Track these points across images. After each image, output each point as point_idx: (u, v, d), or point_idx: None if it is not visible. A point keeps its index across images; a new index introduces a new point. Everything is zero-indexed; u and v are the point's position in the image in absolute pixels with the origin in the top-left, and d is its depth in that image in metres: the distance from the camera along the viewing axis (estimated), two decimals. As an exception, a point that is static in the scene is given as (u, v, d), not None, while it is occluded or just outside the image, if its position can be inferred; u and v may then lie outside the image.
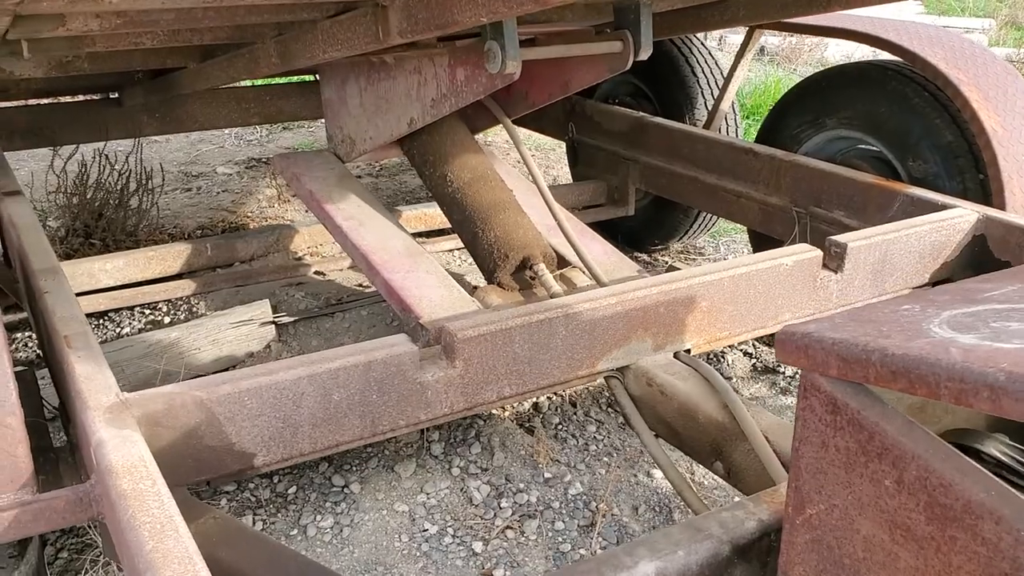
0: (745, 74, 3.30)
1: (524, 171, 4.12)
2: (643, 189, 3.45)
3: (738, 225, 3.73)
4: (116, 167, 3.50)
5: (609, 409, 2.46)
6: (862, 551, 0.94)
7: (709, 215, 3.58)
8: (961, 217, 2.30)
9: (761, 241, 3.14)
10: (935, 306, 1.00)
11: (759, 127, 3.14)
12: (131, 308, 2.90)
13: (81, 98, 3.64)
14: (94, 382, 1.50)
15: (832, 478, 0.95)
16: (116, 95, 3.57)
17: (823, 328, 0.95)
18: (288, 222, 3.77)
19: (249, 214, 3.94)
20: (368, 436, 1.69)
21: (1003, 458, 0.97)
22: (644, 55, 2.19)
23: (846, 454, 0.93)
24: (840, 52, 7.59)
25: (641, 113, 3.41)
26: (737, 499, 1.32)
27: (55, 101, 3.56)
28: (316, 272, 3.07)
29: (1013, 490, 0.79)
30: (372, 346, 1.67)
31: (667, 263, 3.68)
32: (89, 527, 1.92)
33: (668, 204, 3.48)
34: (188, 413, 1.50)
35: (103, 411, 1.42)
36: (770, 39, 7.85)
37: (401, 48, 2.41)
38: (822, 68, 3.23)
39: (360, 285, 3.07)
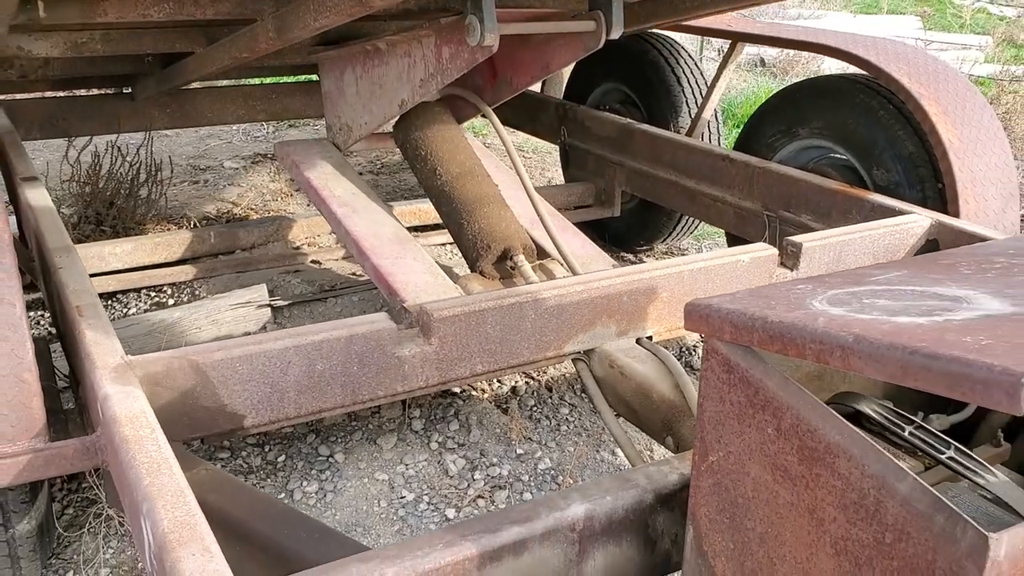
0: (727, 84, 3.46)
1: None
2: (629, 192, 3.61)
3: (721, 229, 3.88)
4: (127, 158, 3.67)
5: (582, 394, 2.62)
6: (751, 491, 1.10)
7: (692, 218, 3.74)
8: (915, 222, 2.45)
9: (738, 243, 3.29)
10: (825, 286, 1.16)
11: (737, 135, 3.30)
12: (137, 290, 3.07)
13: (95, 92, 3.82)
14: (102, 346, 1.67)
15: (728, 428, 1.11)
16: (128, 89, 3.75)
17: (722, 301, 1.11)
18: (288, 214, 3.94)
19: (253, 207, 4.11)
20: (348, 404, 1.86)
21: (873, 415, 1.12)
22: (615, 34, 2.33)
23: (738, 407, 1.09)
24: (837, 65, 7.74)
25: (628, 120, 3.58)
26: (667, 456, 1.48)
27: (71, 94, 3.73)
28: (312, 261, 3.24)
29: (860, 432, 0.95)
30: (354, 321, 1.84)
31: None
32: (93, 484, 2.08)
33: (653, 207, 3.65)
34: (185, 375, 1.67)
35: (109, 370, 1.59)
36: (768, 51, 8.01)
37: (392, 32, 2.58)
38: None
39: (353, 274, 3.24)
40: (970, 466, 1.03)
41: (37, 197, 2.46)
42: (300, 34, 2.30)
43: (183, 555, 1.10)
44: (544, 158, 5.13)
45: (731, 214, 3.10)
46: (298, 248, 3.25)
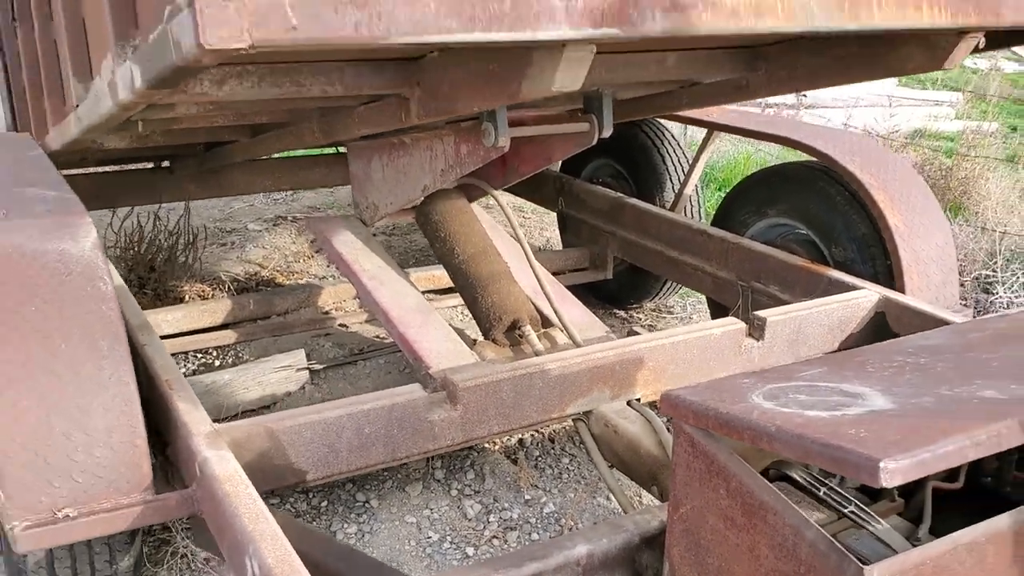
0: (703, 168, 3.89)
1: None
2: (620, 257, 4.03)
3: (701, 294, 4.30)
4: (167, 227, 4.08)
5: (580, 446, 3.01)
6: (710, 535, 1.49)
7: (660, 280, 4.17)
8: (865, 297, 2.86)
9: (717, 307, 3.70)
10: (763, 381, 1.57)
11: (714, 213, 3.72)
12: (186, 352, 3.46)
13: (138, 166, 4.23)
14: (193, 416, 2.06)
15: (692, 488, 1.51)
16: (167, 164, 4.16)
17: (688, 393, 1.52)
18: (316, 279, 4.35)
19: (278, 268, 4.52)
20: (389, 461, 2.25)
21: (798, 479, 1.52)
22: (606, 134, 2.75)
23: (699, 473, 1.48)
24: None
25: (619, 194, 4.00)
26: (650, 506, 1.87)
27: (117, 170, 4.14)
28: (340, 324, 3.64)
29: (781, 494, 1.35)
30: (394, 392, 2.24)
31: (638, 320, 4.24)
32: (174, 529, 2.46)
33: (642, 270, 4.06)
34: (262, 439, 2.07)
35: (203, 437, 1.98)
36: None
37: (417, 130, 3.00)
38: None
39: (377, 337, 3.64)
40: (864, 517, 1.42)
41: (113, 275, 2.85)
42: (342, 137, 2.72)
43: (291, 585, 1.49)
44: (543, 218, 5.56)
45: (709, 282, 3.51)
46: (327, 313, 3.65)
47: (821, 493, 1.49)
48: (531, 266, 3.07)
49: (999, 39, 2.45)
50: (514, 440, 3.01)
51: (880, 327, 2.88)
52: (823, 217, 3.24)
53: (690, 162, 4.01)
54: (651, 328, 4.11)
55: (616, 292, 4.31)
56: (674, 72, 2.62)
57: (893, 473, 1.18)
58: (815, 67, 2.56)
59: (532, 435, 3.05)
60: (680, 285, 4.20)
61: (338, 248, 3.19)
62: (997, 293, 4.04)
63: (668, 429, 2.92)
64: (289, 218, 5.34)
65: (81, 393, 1.91)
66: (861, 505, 1.45)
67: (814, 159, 3.30)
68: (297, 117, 2.83)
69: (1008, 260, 4.23)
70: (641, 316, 4.29)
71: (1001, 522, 1.33)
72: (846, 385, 1.51)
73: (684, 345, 2.59)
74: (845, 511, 1.45)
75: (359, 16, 1.37)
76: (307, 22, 1.33)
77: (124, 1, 1.80)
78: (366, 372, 3.35)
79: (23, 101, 4.00)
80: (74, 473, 1.90)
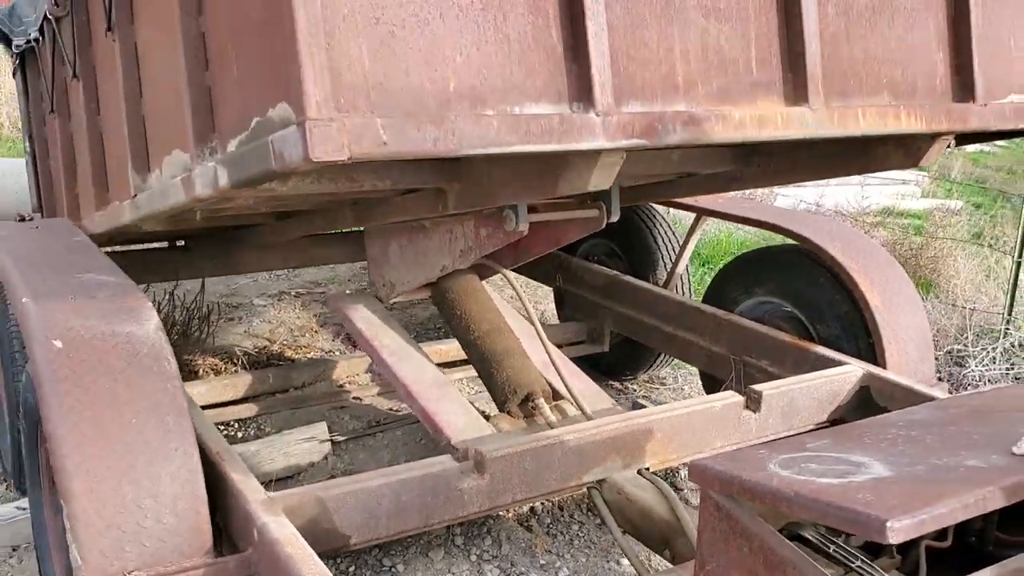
0: (692, 248, 4.15)
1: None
2: (616, 331, 4.26)
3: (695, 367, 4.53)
4: (183, 303, 4.26)
5: (588, 513, 3.20)
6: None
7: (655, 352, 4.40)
8: (850, 372, 3.10)
9: (709, 379, 3.93)
10: (777, 452, 1.78)
11: (705, 291, 3.97)
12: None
13: (156, 245, 4.43)
14: (247, 484, 2.25)
15: (718, 547, 1.71)
16: (184, 243, 4.36)
17: (713, 463, 1.73)
18: (324, 353, 4.53)
19: (285, 342, 4.71)
20: (423, 526, 2.43)
21: (810, 538, 1.73)
22: (614, 219, 2.97)
23: (724, 534, 1.69)
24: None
25: (615, 272, 4.25)
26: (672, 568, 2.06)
27: (137, 248, 4.33)
28: (355, 397, 3.82)
29: (800, 551, 1.56)
30: (427, 463, 2.43)
31: (632, 391, 4.46)
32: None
33: (637, 344, 4.28)
34: (311, 506, 2.25)
35: (260, 503, 2.16)
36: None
37: (439, 216, 3.22)
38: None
39: (391, 409, 3.83)
40: (869, 571, 1.63)
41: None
42: (374, 223, 2.95)
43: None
44: (535, 291, 5.80)
45: (703, 356, 3.74)
46: (342, 386, 3.83)
47: (831, 550, 1.70)
48: (542, 343, 3.29)
49: (967, 138, 2.75)
50: (526, 508, 3.19)
51: (865, 399, 3.11)
52: (808, 296, 3.49)
53: (680, 242, 4.28)
54: (647, 398, 4.32)
55: (612, 364, 4.52)
56: (677, 166, 2.89)
57: (898, 532, 1.40)
58: (804, 163, 2.83)
59: (543, 503, 3.23)
60: (673, 358, 4.43)
61: (358, 324, 3.39)
62: (969, 366, 4.31)
63: (677, 490, 3.12)
64: (292, 293, 5.54)
65: (151, 464, 2.09)
66: (867, 560, 1.66)
67: (798, 242, 3.57)
68: (334, 205, 3.06)
69: (978, 335, 4.51)
70: (636, 387, 4.51)
71: (986, 574, 1.55)
72: (849, 455, 1.73)
73: (688, 417, 2.80)
74: (853, 566, 1.66)
75: (437, 133, 1.61)
76: (395, 139, 1.57)
77: (204, 110, 2.03)
78: (384, 443, 3.53)
79: (50, 186, 4.23)
80: (143, 538, 2.07)
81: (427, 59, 1.62)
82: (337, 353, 4.56)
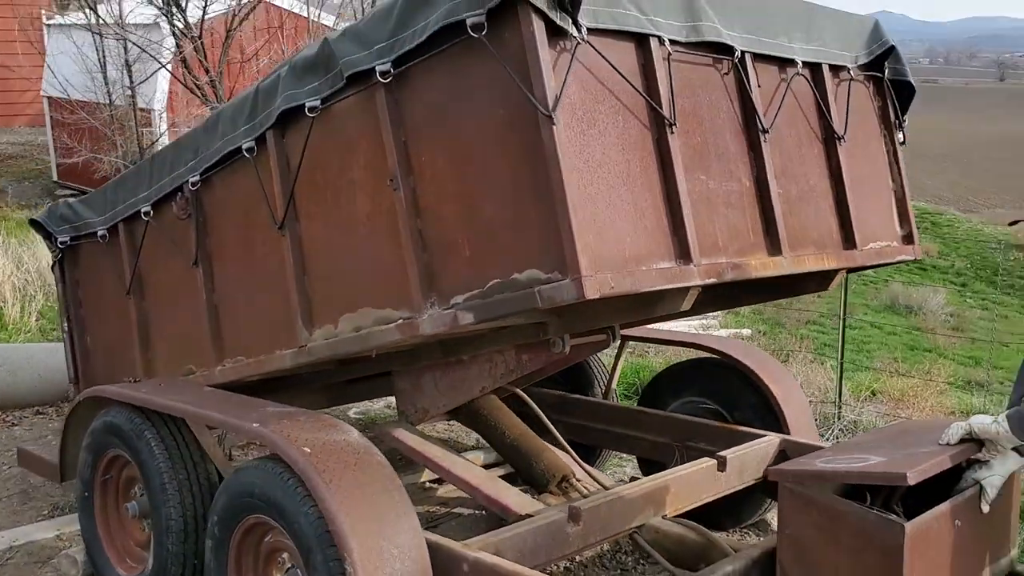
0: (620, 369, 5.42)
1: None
2: (568, 439, 5.37)
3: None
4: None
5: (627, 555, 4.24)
6: (808, 540, 2.86)
7: (602, 451, 5.55)
8: (772, 440, 4.40)
9: (648, 463, 5.10)
10: (816, 457, 3.02)
11: (640, 396, 5.22)
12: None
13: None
14: (442, 537, 3.15)
15: (794, 516, 2.88)
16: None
17: (785, 466, 2.93)
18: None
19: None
20: (545, 563, 3.40)
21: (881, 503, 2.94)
22: (616, 342, 4.14)
23: (798, 507, 2.87)
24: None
25: (562, 392, 5.42)
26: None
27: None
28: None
29: (850, 503, 2.76)
30: (545, 517, 3.43)
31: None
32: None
33: (581, 446, 5.39)
34: (489, 548, 3.18)
35: (461, 546, 3.08)
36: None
37: (476, 348, 4.18)
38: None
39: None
40: (881, 511, 2.86)
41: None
42: (466, 353, 3.92)
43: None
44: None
45: (648, 446, 4.91)
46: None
47: (867, 504, 2.92)
48: (554, 438, 4.36)
49: (852, 270, 4.24)
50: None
51: (784, 456, 4.42)
52: (726, 393, 4.82)
53: (604, 368, 5.54)
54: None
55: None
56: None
57: (912, 476, 2.66)
58: (745, 292, 4.17)
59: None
60: (604, 454, 5.59)
61: (409, 443, 4.30)
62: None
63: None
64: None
65: (392, 524, 2.99)
66: (880, 511, 2.90)
67: (712, 355, 4.93)
68: (427, 345, 4.04)
69: (819, 420, 6.05)
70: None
71: (943, 507, 2.84)
72: (853, 456, 3.00)
73: (685, 478, 3.97)
74: (873, 510, 2.88)
75: (627, 280, 2.77)
76: (616, 284, 2.71)
77: (426, 279, 3.06)
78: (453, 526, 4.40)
79: (87, 358, 4.87)
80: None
81: (617, 240, 2.79)
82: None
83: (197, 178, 3.89)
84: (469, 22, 2.72)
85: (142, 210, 4.21)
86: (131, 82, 12.35)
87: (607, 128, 2.85)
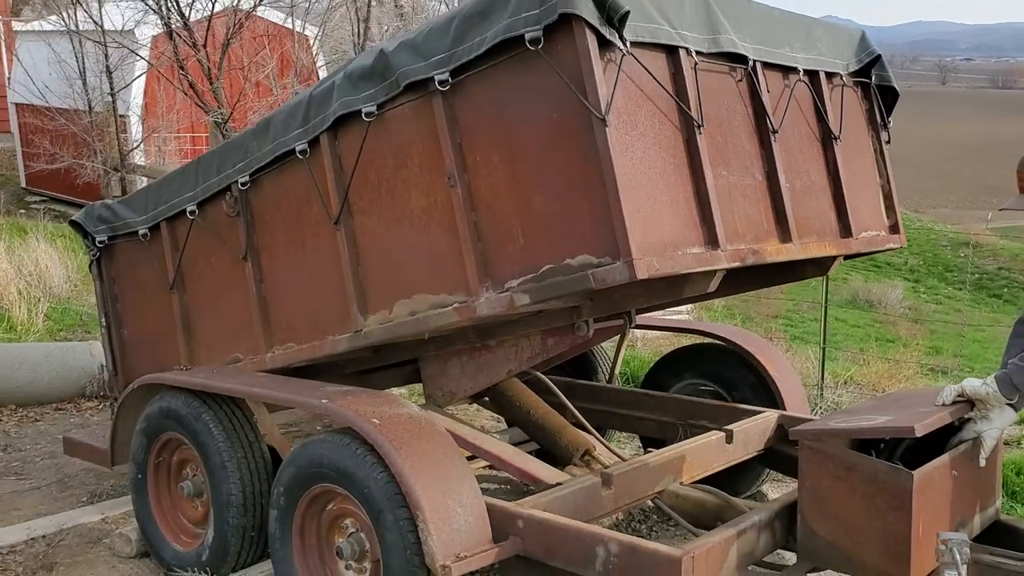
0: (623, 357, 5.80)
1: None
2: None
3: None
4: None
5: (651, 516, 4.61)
6: (826, 489, 3.25)
7: (606, 431, 5.92)
8: (771, 415, 4.80)
9: (651, 441, 5.48)
10: (832, 418, 3.41)
11: (643, 379, 5.61)
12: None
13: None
14: (495, 498, 3.49)
15: (813, 469, 3.27)
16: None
17: (806, 426, 3.32)
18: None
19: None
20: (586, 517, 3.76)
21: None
22: (632, 325, 4.52)
23: (816, 461, 3.26)
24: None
25: (570, 378, 5.78)
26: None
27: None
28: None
29: (862, 455, 3.16)
30: (581, 480, 3.79)
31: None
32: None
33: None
34: (532, 506, 3.53)
35: (515, 504, 3.42)
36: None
37: (502, 335, 4.52)
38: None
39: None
40: (891, 461, 3.26)
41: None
42: (499, 336, 4.26)
43: None
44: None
45: (652, 426, 5.30)
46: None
47: (873, 455, 3.32)
48: (574, 415, 4.72)
49: (852, 257, 4.65)
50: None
51: (781, 430, 4.83)
52: (725, 374, 5.22)
53: (605, 355, 5.91)
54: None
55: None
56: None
57: (920, 429, 3.06)
58: (752, 278, 4.57)
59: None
60: (608, 434, 5.96)
61: (443, 427, 4.64)
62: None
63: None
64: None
65: (456, 485, 3.33)
66: (890, 463, 3.30)
67: (711, 340, 5.33)
68: (461, 329, 4.37)
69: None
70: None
71: (944, 459, 3.26)
72: (867, 414, 3.40)
73: (697, 449, 4.35)
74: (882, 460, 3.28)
75: (668, 263, 3.14)
76: (660, 266, 3.08)
77: (482, 265, 3.40)
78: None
79: (124, 350, 5.12)
80: (460, 533, 3.27)
81: (657, 228, 3.16)
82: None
83: (247, 178, 4.19)
84: (527, 36, 3.07)
85: (187, 209, 4.48)
86: (111, 88, 12.48)
87: (647, 130, 3.22)
